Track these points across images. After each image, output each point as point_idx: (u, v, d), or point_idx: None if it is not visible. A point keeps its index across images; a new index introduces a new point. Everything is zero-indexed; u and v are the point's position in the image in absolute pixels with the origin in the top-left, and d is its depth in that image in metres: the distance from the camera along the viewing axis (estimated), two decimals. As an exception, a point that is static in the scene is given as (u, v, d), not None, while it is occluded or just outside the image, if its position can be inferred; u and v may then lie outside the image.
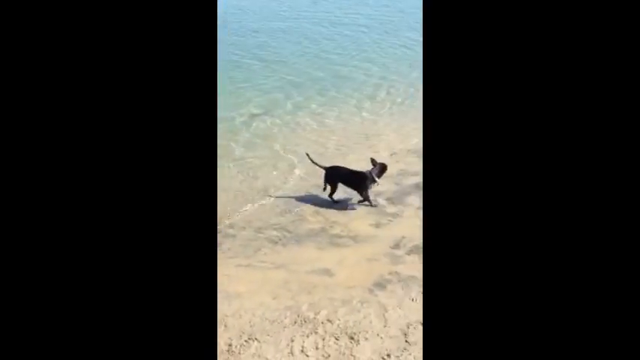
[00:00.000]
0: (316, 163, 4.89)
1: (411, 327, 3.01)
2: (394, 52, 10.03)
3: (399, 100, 7.65)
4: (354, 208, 4.69)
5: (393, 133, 6.52)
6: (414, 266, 3.73)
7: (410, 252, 3.93)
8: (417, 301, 3.28)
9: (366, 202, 4.67)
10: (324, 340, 2.91)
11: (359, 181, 4.63)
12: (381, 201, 4.76)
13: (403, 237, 4.14)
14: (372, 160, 4.71)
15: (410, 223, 4.36)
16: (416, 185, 5.00)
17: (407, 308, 3.20)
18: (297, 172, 5.51)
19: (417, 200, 4.75)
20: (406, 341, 2.88)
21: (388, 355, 2.77)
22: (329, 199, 4.77)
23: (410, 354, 2.78)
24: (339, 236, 4.20)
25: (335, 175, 4.75)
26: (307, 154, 5.00)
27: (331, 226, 4.36)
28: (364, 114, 7.20)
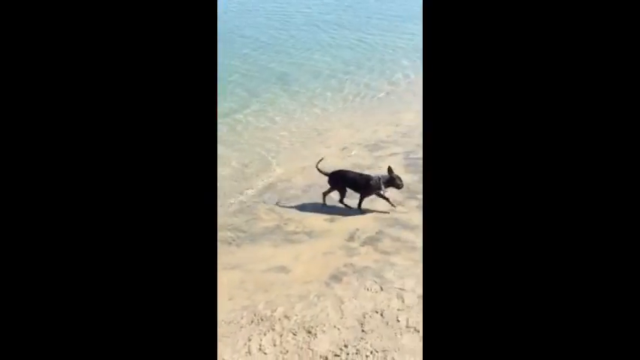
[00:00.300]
0: (321, 171, 4.65)
1: (367, 316, 3.07)
2: (350, 46, 10.19)
3: (362, 93, 7.82)
4: (307, 205, 4.71)
5: (347, 128, 6.61)
6: (368, 257, 3.81)
7: (364, 243, 4.01)
8: (372, 290, 3.35)
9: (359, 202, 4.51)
10: (281, 336, 2.91)
11: (364, 184, 4.46)
12: (334, 195, 4.81)
13: (357, 229, 4.21)
14: (389, 169, 4.47)
15: (363, 216, 4.45)
16: (368, 178, 5.10)
17: (362, 298, 3.26)
18: (249, 171, 5.47)
19: (369, 193, 4.84)
20: (362, 330, 2.94)
21: (345, 346, 2.81)
22: (340, 204, 4.57)
23: (367, 342, 2.83)
24: (294, 233, 4.21)
25: (340, 180, 4.57)
26: (317, 167, 4.72)
27: (286, 224, 4.36)
28: (327, 106, 7.33)
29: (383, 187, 4.44)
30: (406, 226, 4.23)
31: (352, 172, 4.64)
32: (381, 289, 3.36)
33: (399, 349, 2.77)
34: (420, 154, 5.62)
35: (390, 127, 6.47)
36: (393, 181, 4.44)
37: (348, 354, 2.75)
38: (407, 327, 2.94)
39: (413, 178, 5.09)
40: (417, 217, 4.35)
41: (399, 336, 2.87)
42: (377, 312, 3.10)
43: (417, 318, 3.01)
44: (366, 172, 4.70)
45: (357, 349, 2.77)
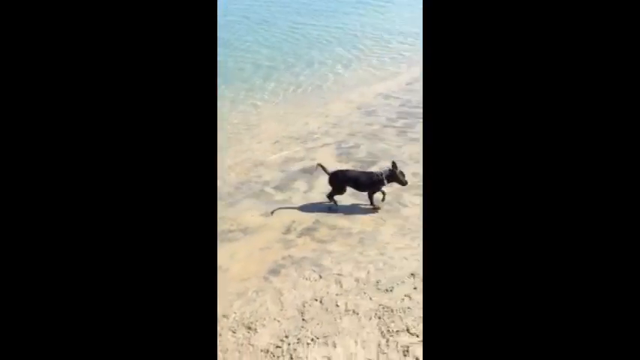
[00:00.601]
0: (325, 170, 4.44)
1: (306, 305, 3.09)
2: (286, 38, 10.16)
3: (304, 85, 7.81)
4: (241, 202, 4.63)
5: (278, 122, 6.58)
6: (305, 247, 3.84)
7: (300, 235, 4.02)
8: (311, 279, 3.38)
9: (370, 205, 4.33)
10: (220, 335, 2.84)
11: (367, 182, 4.29)
12: (268, 189, 4.77)
13: (293, 221, 4.21)
14: (393, 164, 4.28)
15: (299, 208, 4.45)
16: (301, 170, 5.12)
17: (301, 288, 3.28)
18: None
19: (303, 185, 4.86)
20: (303, 319, 2.96)
21: (286, 337, 2.81)
22: (330, 203, 4.40)
23: (307, 330, 2.85)
24: (229, 231, 4.12)
25: (342, 179, 4.37)
26: (319, 165, 4.51)
27: (220, 222, 4.25)
28: (263, 99, 7.23)
29: (386, 182, 4.26)
30: (341, 214, 4.31)
31: (353, 170, 4.52)
32: (320, 276, 3.40)
33: (339, 333, 2.81)
34: (351, 143, 5.75)
35: (321, 118, 6.53)
36: (395, 176, 4.25)
37: (289, 344, 2.75)
38: (346, 310, 3.00)
39: (346, 167, 5.18)
40: (351, 205, 4.44)
41: (338, 320, 2.92)
42: (316, 300, 3.13)
43: (354, 300, 3.09)
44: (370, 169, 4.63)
45: (298, 338, 2.78)
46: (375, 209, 4.31)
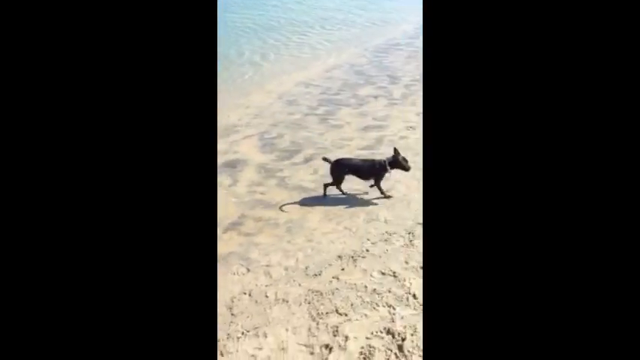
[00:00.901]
0: (327, 160, 4.38)
1: (235, 300, 3.03)
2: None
3: (234, 75, 7.59)
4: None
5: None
6: (232, 242, 3.75)
7: (226, 230, 3.93)
8: (239, 273, 3.32)
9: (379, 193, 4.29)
10: (144, 343, 2.70)
11: (369, 169, 4.24)
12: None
13: (218, 217, 4.10)
14: (395, 150, 4.23)
15: (223, 202, 4.34)
16: (224, 164, 4.99)
17: (229, 283, 3.21)
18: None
19: (227, 179, 4.74)
20: (232, 314, 2.90)
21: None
22: (339, 192, 4.31)
23: (237, 324, 2.80)
24: (150, 233, 3.92)
25: (342, 167, 4.28)
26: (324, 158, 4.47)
27: (139, 225, 4.02)
28: None
29: (389, 168, 4.21)
30: (267, 206, 4.28)
31: (355, 158, 4.43)
32: (248, 270, 3.35)
33: (269, 323, 2.80)
34: (274, 134, 5.71)
35: (241, 109, 6.41)
36: (398, 162, 4.22)
37: (219, 340, 2.68)
38: (275, 300, 2.99)
39: (270, 158, 5.15)
40: (277, 195, 4.42)
41: (268, 310, 2.90)
42: (245, 293, 3.08)
43: (284, 289, 3.09)
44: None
45: (228, 334, 2.72)
46: (387, 197, 4.28)
